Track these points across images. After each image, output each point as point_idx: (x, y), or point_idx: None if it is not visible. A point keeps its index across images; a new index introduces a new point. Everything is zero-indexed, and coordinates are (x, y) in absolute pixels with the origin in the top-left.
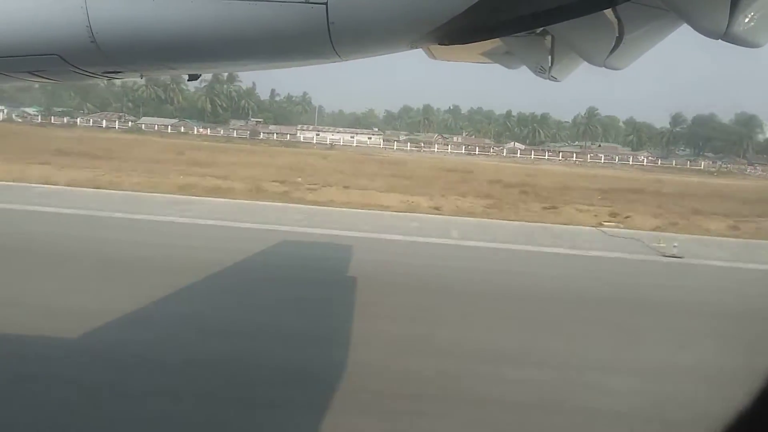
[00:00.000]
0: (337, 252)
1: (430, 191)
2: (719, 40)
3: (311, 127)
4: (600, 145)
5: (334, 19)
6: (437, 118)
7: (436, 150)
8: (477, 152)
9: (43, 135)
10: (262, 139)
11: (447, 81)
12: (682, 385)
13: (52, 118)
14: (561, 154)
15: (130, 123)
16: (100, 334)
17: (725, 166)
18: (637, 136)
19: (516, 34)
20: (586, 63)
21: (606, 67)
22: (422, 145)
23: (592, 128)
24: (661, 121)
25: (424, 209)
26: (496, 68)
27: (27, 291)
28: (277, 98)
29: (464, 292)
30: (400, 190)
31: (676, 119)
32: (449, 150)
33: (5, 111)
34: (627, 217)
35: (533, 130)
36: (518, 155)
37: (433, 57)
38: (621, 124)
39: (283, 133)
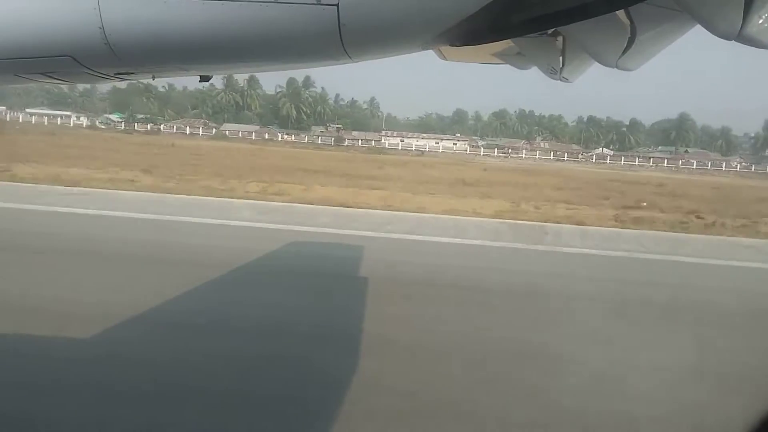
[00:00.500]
0: None
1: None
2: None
3: (395, 133)
4: (686, 151)
5: (345, 21)
6: (484, 121)
7: (524, 156)
8: (566, 158)
9: (189, 146)
10: (347, 146)
11: (486, 84)
12: None
13: (136, 125)
14: (651, 159)
15: (214, 130)
16: None
17: None
18: (726, 141)
19: (528, 35)
20: (597, 64)
21: (618, 68)
22: (510, 150)
23: (684, 133)
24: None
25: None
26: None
27: None
28: (341, 103)
29: None
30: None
31: None
32: (537, 156)
33: (89, 118)
34: None
35: (622, 135)
36: (608, 161)
37: (444, 58)
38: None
39: (367, 140)
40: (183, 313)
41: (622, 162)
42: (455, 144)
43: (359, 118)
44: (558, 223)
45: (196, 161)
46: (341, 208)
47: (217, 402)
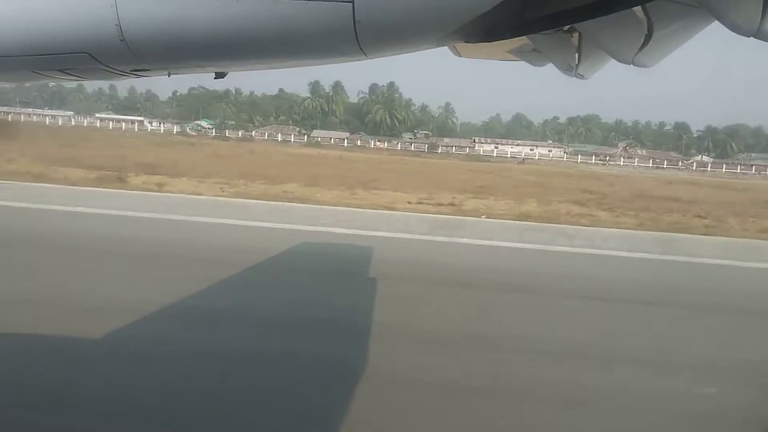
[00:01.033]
0: None
1: None
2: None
3: (489, 140)
4: None
5: (360, 18)
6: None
7: (622, 163)
8: (665, 166)
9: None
10: (442, 153)
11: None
12: None
13: (226, 131)
14: (753, 167)
15: (306, 137)
16: None
17: None
18: None
19: (543, 32)
20: (613, 61)
21: (634, 65)
22: (608, 158)
23: None
24: None
25: None
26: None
27: None
28: (412, 107)
29: None
30: None
31: None
32: (636, 163)
33: (180, 125)
34: None
35: (723, 142)
36: (708, 169)
37: (459, 54)
38: None
39: (461, 146)
40: None
41: (723, 170)
42: (550, 151)
43: (443, 124)
44: None
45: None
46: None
47: None
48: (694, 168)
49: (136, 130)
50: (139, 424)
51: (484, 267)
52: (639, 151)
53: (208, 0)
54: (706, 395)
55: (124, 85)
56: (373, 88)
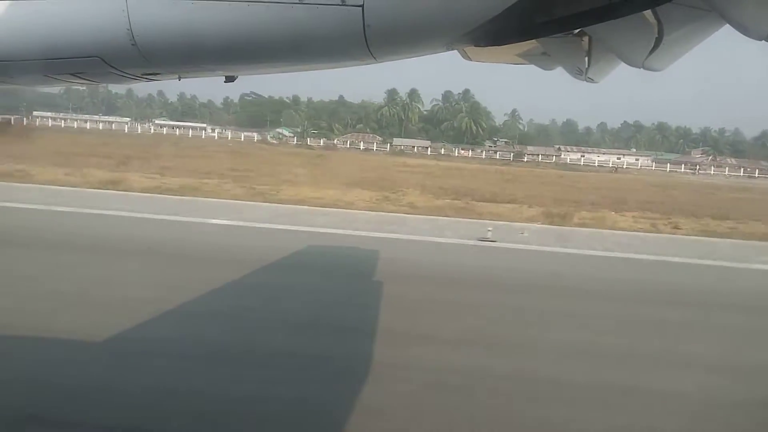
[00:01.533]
0: None
1: None
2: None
3: (574, 148)
4: None
5: (370, 22)
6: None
7: (712, 172)
8: (757, 175)
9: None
10: (528, 161)
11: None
12: None
13: (308, 139)
14: None
15: (389, 145)
16: None
17: None
18: None
19: (553, 36)
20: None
21: (644, 69)
22: (697, 166)
23: None
24: None
25: None
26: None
27: None
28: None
29: None
30: None
31: None
32: (727, 172)
33: (261, 132)
34: None
35: None
36: None
37: (468, 58)
38: None
39: (547, 155)
40: None
41: None
42: (637, 159)
43: (505, 130)
44: None
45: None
46: None
47: None
48: None
49: (203, 137)
50: None
51: None
52: (729, 160)
53: (219, 4)
54: None
55: (173, 91)
56: (447, 95)
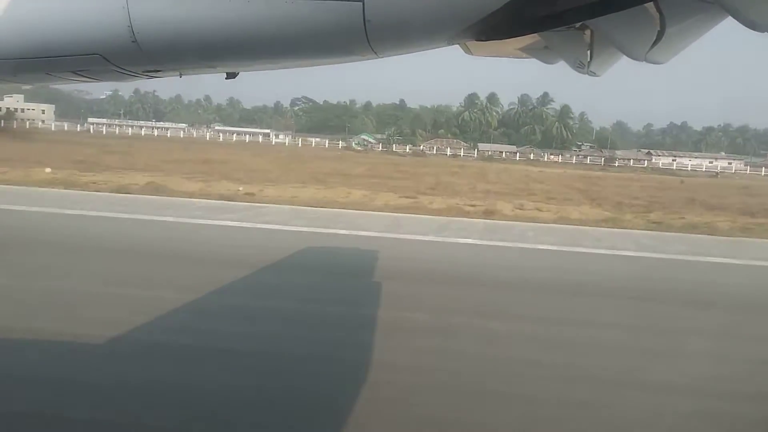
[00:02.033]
0: None
1: None
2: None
3: (665, 152)
4: None
5: (370, 17)
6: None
7: None
8: None
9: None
10: (620, 166)
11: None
12: None
13: (394, 145)
14: None
15: (475, 150)
16: None
17: None
18: None
19: (554, 29)
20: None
21: (647, 62)
22: None
23: None
24: None
25: None
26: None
27: None
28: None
29: None
30: None
31: None
32: None
33: (344, 140)
34: None
35: None
36: None
37: (470, 53)
38: None
39: (638, 159)
40: None
41: None
42: (730, 163)
43: (579, 134)
44: None
45: None
46: None
47: None
48: None
49: (272, 143)
50: None
51: None
52: None
53: (220, 1)
54: None
55: (222, 96)
56: (524, 99)
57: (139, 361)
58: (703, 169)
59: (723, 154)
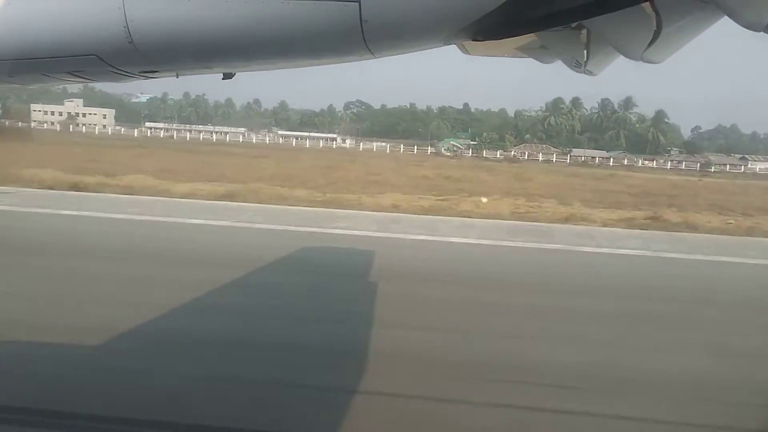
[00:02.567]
0: None
1: None
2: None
3: (760, 157)
4: None
5: (367, 17)
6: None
7: None
8: None
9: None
10: (717, 172)
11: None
12: None
13: (484, 151)
14: None
15: (568, 156)
16: None
17: None
18: None
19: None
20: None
21: (643, 61)
22: None
23: None
24: None
25: None
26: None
27: None
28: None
29: None
30: None
31: None
32: None
33: (431, 145)
34: None
35: None
36: None
37: (467, 52)
38: None
39: (734, 165)
40: None
41: None
42: None
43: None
44: None
45: None
46: None
47: None
48: None
49: (348, 148)
50: None
51: None
52: None
53: (216, 1)
54: None
55: (271, 101)
56: (605, 103)
57: None
58: None
59: None
